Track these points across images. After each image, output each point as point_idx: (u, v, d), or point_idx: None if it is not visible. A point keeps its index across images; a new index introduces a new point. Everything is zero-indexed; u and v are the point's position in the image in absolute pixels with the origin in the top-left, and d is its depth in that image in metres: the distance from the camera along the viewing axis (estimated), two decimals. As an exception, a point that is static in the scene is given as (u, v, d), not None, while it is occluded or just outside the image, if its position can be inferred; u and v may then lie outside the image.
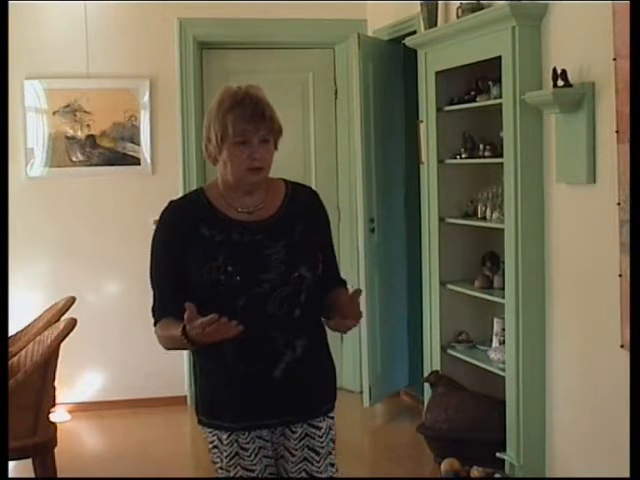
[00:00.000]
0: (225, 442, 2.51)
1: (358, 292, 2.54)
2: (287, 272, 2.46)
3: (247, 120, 2.43)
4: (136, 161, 5.84)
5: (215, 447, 2.54)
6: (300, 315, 2.49)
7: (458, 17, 4.54)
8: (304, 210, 2.59)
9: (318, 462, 2.64)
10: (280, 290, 2.45)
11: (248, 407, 2.50)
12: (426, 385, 4.98)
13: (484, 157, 4.66)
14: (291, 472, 2.59)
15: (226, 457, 2.52)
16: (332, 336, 6.72)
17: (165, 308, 2.44)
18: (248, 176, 2.44)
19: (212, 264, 2.41)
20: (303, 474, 2.59)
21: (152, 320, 2.51)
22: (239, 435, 2.50)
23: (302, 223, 2.56)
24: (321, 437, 2.66)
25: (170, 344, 2.43)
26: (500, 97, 4.28)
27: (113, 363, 5.88)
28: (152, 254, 2.50)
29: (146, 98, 5.82)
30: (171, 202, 2.53)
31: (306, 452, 2.61)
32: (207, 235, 2.45)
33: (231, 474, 2.51)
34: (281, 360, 2.48)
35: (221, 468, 2.54)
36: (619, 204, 3.52)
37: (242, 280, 2.41)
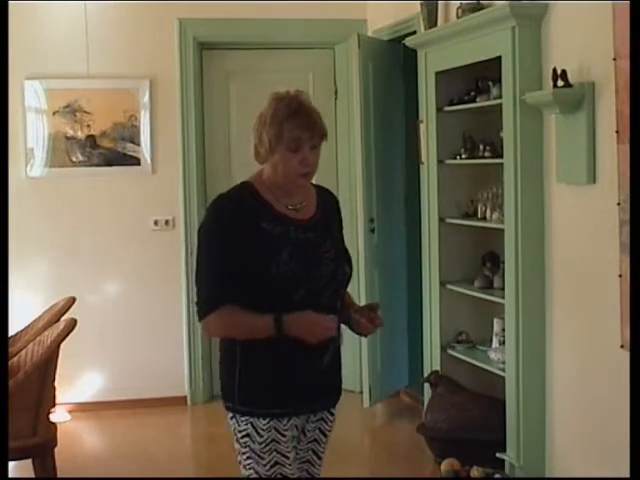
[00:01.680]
0: (262, 429, 2.60)
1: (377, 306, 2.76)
2: (336, 269, 2.66)
3: (302, 129, 2.57)
4: (136, 161, 5.84)
5: (247, 435, 2.61)
6: (340, 308, 2.70)
7: (458, 17, 4.53)
8: (333, 211, 2.82)
9: (324, 444, 2.85)
10: (330, 285, 2.64)
11: (299, 393, 2.65)
12: (426, 385, 4.98)
13: (484, 157, 4.66)
14: (300, 450, 2.77)
15: (261, 444, 2.60)
16: (332, 336, 6.56)
17: (225, 296, 2.54)
18: (298, 179, 2.62)
19: (278, 259, 2.55)
20: (310, 453, 2.81)
21: (196, 312, 2.59)
22: (279, 421, 2.61)
23: (334, 223, 2.80)
24: (332, 422, 2.87)
25: (242, 330, 2.56)
26: (500, 97, 4.28)
27: (113, 363, 5.88)
28: (208, 243, 2.57)
29: (146, 98, 5.82)
30: (223, 195, 2.62)
31: (317, 434, 2.81)
32: (268, 229, 2.58)
33: (265, 460, 2.61)
34: (328, 350, 2.64)
35: (251, 457, 2.61)
36: (619, 204, 3.52)
37: (303, 275, 2.57)
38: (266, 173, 2.64)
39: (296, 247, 2.59)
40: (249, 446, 2.61)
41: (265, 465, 2.61)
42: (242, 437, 2.63)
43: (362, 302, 5.55)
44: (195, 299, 2.62)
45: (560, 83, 3.76)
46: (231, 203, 2.59)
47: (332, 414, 2.85)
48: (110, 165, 5.81)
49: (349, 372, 6.19)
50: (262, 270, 2.54)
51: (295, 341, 2.54)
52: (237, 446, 2.66)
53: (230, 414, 2.66)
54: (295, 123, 2.56)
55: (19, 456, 3.95)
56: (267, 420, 2.59)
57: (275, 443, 2.61)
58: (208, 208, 2.64)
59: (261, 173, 2.67)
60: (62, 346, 4.03)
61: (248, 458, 2.63)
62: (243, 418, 2.61)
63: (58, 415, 5.29)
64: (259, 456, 2.60)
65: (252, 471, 2.62)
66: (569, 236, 4.00)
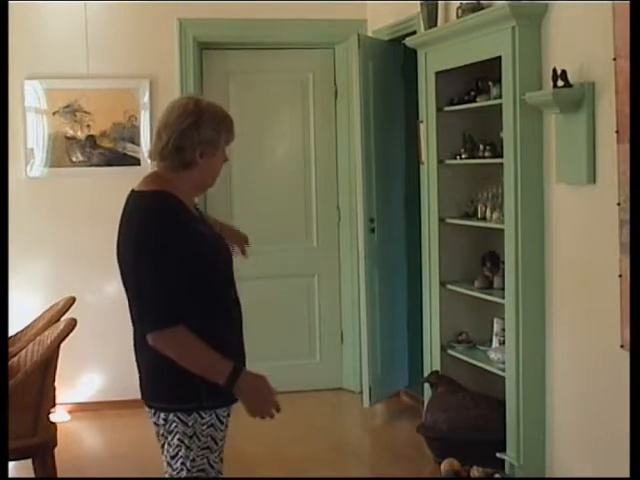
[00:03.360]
0: (222, 418, 2.65)
1: None
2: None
3: (232, 134, 2.72)
4: (136, 161, 5.84)
5: (211, 426, 2.61)
6: None
7: (458, 17, 4.54)
8: None
9: None
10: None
11: None
12: (426, 385, 4.98)
13: (484, 157, 4.66)
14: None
15: (222, 432, 2.66)
16: (332, 336, 6.72)
17: (179, 312, 2.49)
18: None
19: (220, 259, 2.64)
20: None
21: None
22: (225, 410, 2.66)
23: None
24: None
25: (197, 360, 2.52)
26: (500, 97, 4.28)
27: (113, 363, 5.87)
28: (154, 256, 2.48)
29: (146, 98, 5.82)
30: (159, 205, 2.56)
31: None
32: (205, 232, 2.62)
33: (222, 447, 2.69)
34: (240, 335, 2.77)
35: (210, 448, 2.62)
36: (619, 204, 3.52)
37: (231, 272, 2.69)
38: (188, 177, 2.61)
39: (223, 248, 2.72)
40: (212, 436, 2.62)
41: (215, 452, 2.65)
42: (205, 429, 2.61)
43: (362, 302, 5.57)
44: (142, 303, 2.56)
45: (560, 83, 3.76)
46: (168, 213, 2.55)
47: None
48: (110, 165, 5.81)
49: (349, 372, 6.21)
50: (209, 273, 2.57)
51: (236, 343, 2.67)
52: (177, 444, 2.61)
53: (180, 414, 2.60)
54: (230, 128, 2.67)
55: (19, 456, 3.94)
56: (225, 410, 2.65)
57: (224, 431, 2.69)
58: (145, 217, 2.58)
59: (164, 179, 2.62)
60: (62, 346, 4.02)
61: (214, 445, 2.64)
62: (209, 412, 2.60)
63: (58, 415, 5.30)
64: (220, 445, 2.67)
65: (204, 463, 2.62)
66: (569, 236, 4.00)
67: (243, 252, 3.09)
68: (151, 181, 2.66)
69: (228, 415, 2.69)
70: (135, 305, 2.63)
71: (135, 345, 2.80)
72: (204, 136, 2.58)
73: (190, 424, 2.59)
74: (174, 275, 2.48)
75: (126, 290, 2.69)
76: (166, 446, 2.65)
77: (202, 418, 2.59)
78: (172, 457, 2.63)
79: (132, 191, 2.73)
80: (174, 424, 2.60)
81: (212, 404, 2.60)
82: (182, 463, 2.61)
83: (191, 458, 2.60)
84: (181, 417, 2.58)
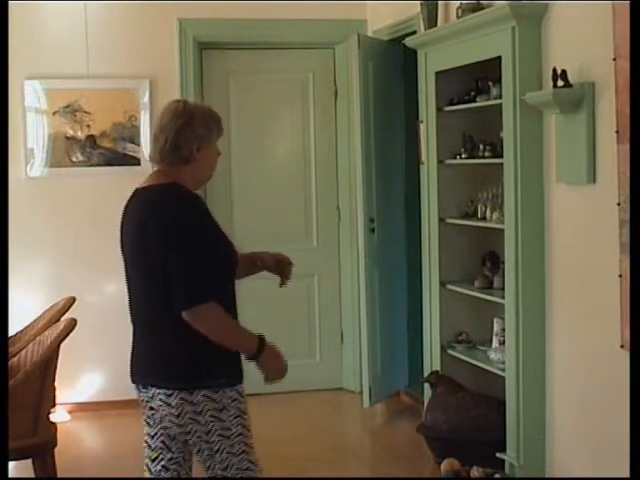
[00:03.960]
0: (241, 392, 2.85)
1: None
2: None
3: (222, 130, 2.96)
4: (136, 161, 5.84)
5: (235, 399, 2.81)
6: None
7: (458, 17, 4.54)
8: None
9: None
10: None
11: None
12: (426, 385, 4.98)
13: (484, 157, 4.66)
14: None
15: (244, 404, 2.85)
16: (332, 336, 6.72)
17: (210, 289, 2.73)
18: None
19: (230, 248, 2.88)
20: None
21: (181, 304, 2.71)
22: (241, 386, 2.87)
23: None
24: None
25: (228, 333, 2.78)
26: (500, 97, 4.28)
27: (113, 363, 5.86)
28: (184, 239, 2.71)
29: (146, 98, 5.82)
30: (176, 193, 2.79)
31: None
32: (217, 223, 2.86)
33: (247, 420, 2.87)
34: None
35: (241, 415, 2.83)
36: (619, 204, 3.52)
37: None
38: (189, 172, 2.84)
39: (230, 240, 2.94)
40: (238, 408, 2.82)
41: (245, 418, 2.86)
42: (230, 403, 2.79)
43: (362, 302, 5.57)
44: (177, 282, 2.71)
45: (560, 83, 3.76)
46: (190, 198, 2.81)
47: None
48: (110, 165, 5.81)
49: (349, 372, 6.21)
50: (226, 255, 2.85)
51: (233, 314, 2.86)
52: (205, 422, 2.79)
53: (206, 391, 2.77)
54: (219, 124, 2.91)
55: (19, 456, 3.94)
56: (241, 386, 2.86)
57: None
58: (176, 204, 2.78)
59: (169, 175, 2.84)
60: (62, 346, 4.02)
61: (237, 417, 2.82)
62: (230, 389, 2.80)
63: (58, 415, 5.30)
64: (243, 417, 2.85)
65: (239, 428, 2.83)
66: (569, 236, 4.00)
67: (287, 277, 3.18)
68: (157, 177, 2.88)
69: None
70: (162, 288, 2.76)
71: (146, 332, 2.98)
72: (198, 132, 2.82)
73: (218, 400, 2.78)
74: (203, 255, 2.72)
75: (138, 275, 2.91)
76: (195, 426, 2.80)
77: (226, 394, 2.79)
78: (207, 433, 2.80)
79: (138, 189, 2.97)
80: (203, 403, 2.77)
81: (234, 381, 2.82)
82: (219, 434, 2.80)
83: (227, 427, 2.80)
84: (209, 395, 2.77)
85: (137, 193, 2.96)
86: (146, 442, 2.97)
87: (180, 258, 2.70)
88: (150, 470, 2.95)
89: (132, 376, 3.08)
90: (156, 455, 2.94)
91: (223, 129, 2.94)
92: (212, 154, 2.90)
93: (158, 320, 2.86)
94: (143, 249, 2.79)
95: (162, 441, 2.92)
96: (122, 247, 2.94)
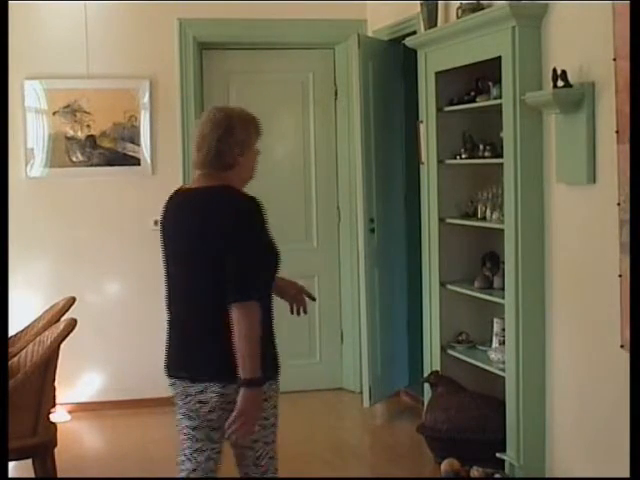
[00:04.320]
0: (278, 386, 3.03)
1: None
2: None
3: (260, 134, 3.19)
4: (136, 161, 5.84)
5: (276, 392, 3.01)
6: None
7: (458, 17, 4.54)
8: None
9: None
10: None
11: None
12: (426, 385, 4.98)
13: (484, 157, 4.66)
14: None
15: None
16: (332, 336, 6.72)
17: (259, 290, 2.89)
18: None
19: (274, 246, 3.01)
20: None
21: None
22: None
23: None
24: None
25: (257, 336, 2.85)
26: (500, 97, 4.28)
27: (113, 363, 5.88)
28: (245, 238, 2.86)
29: (146, 98, 5.82)
30: (234, 195, 2.95)
31: None
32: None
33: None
34: None
35: (276, 407, 3.02)
36: (619, 204, 3.52)
37: None
38: (234, 175, 3.00)
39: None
40: (274, 403, 3.00)
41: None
42: (272, 395, 2.98)
43: (362, 302, 5.57)
44: (234, 275, 2.83)
45: (560, 83, 3.76)
46: (258, 205, 2.93)
47: None
48: (110, 165, 5.81)
49: (349, 372, 6.21)
50: (274, 260, 3.01)
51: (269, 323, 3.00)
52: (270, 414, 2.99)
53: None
54: (257, 126, 3.16)
55: (19, 456, 3.94)
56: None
57: None
58: (242, 205, 2.92)
59: (216, 178, 2.97)
60: (62, 346, 4.02)
61: (273, 408, 3.01)
62: (274, 382, 3.00)
63: (58, 415, 5.30)
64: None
65: (273, 431, 3.03)
66: (569, 236, 4.00)
67: (304, 309, 3.31)
68: (206, 180, 3.00)
69: None
70: (216, 284, 2.88)
71: (195, 328, 3.02)
72: (238, 138, 3.00)
73: (265, 391, 2.91)
74: (258, 255, 2.89)
75: (192, 268, 2.99)
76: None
77: (271, 386, 2.97)
78: (266, 418, 2.97)
79: (185, 189, 3.15)
80: (271, 392, 2.97)
81: (275, 374, 3.01)
82: (259, 424, 2.93)
83: (265, 417, 2.97)
84: (273, 385, 2.98)
85: (185, 194, 3.09)
86: (186, 435, 3.05)
87: (238, 256, 2.84)
88: (191, 461, 3.04)
89: (170, 370, 3.12)
90: (199, 446, 3.03)
91: (261, 128, 3.15)
92: (253, 156, 3.10)
93: (210, 316, 2.94)
94: (198, 246, 2.92)
95: (206, 433, 3.00)
96: (165, 244, 3.09)
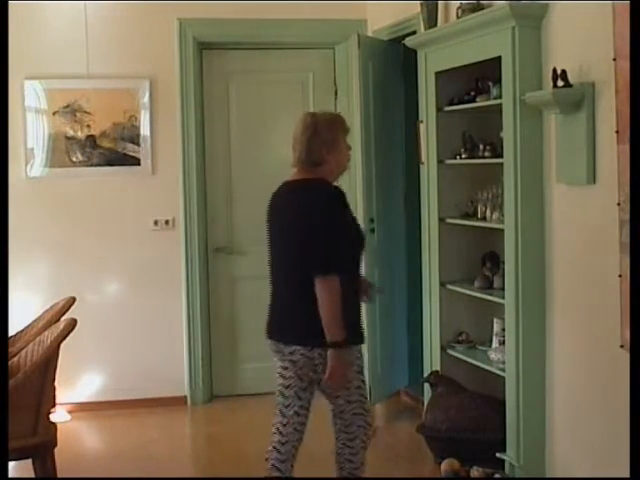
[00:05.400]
0: (361, 351, 3.64)
1: None
2: None
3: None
4: (136, 161, 5.84)
5: (358, 357, 3.60)
6: None
7: (458, 17, 4.54)
8: None
9: None
10: None
11: None
12: (426, 385, 4.98)
13: (484, 157, 4.66)
14: None
15: (362, 361, 3.68)
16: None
17: (339, 267, 3.37)
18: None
19: (360, 234, 3.66)
20: None
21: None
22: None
23: None
24: None
25: (337, 305, 3.35)
26: (500, 97, 4.28)
27: (113, 363, 5.88)
28: (330, 222, 3.38)
29: (146, 98, 5.82)
30: (324, 186, 3.47)
31: None
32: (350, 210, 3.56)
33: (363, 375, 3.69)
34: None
35: (361, 372, 3.63)
36: (619, 204, 3.52)
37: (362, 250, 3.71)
38: (324, 171, 3.51)
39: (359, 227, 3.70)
40: (360, 367, 3.61)
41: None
42: (359, 357, 3.61)
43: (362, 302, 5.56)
44: (318, 252, 3.36)
45: (560, 83, 3.76)
46: (340, 191, 3.46)
47: None
48: (110, 165, 5.81)
49: (349, 372, 6.19)
50: (354, 241, 3.56)
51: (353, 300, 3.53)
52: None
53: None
54: (343, 126, 3.59)
55: (19, 456, 3.94)
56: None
57: None
58: (326, 195, 3.44)
59: (310, 173, 3.51)
60: (62, 346, 4.02)
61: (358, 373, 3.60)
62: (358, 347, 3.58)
63: (58, 415, 5.30)
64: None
65: (358, 392, 3.63)
66: (569, 236, 4.00)
67: (370, 297, 3.86)
68: (303, 173, 3.56)
69: None
70: (306, 259, 3.39)
71: (288, 298, 3.58)
72: (325, 139, 3.49)
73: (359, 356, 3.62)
74: (341, 237, 3.39)
75: (288, 250, 3.54)
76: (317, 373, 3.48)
77: (352, 350, 3.52)
78: (348, 381, 3.52)
79: (288, 181, 3.63)
80: (353, 357, 3.53)
81: (358, 340, 3.58)
82: (358, 386, 3.60)
83: (349, 379, 3.53)
84: (355, 351, 3.55)
85: (287, 184, 3.62)
86: (280, 392, 3.57)
87: (325, 236, 3.36)
88: (284, 415, 3.56)
89: (269, 333, 3.62)
90: (289, 402, 3.55)
91: (349, 127, 3.61)
92: (341, 153, 3.56)
93: (298, 288, 3.46)
94: (291, 229, 3.47)
95: (295, 391, 3.52)
96: (269, 226, 3.66)
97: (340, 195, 3.44)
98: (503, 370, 4.35)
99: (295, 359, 3.47)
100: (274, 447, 3.59)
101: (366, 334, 5.48)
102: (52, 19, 5.69)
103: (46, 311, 4.66)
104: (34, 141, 5.70)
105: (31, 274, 5.72)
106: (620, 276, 3.54)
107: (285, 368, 3.52)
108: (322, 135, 3.49)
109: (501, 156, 4.29)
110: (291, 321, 3.52)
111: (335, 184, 3.52)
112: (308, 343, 3.42)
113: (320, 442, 5.14)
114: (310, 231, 3.38)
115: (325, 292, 3.34)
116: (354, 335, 3.48)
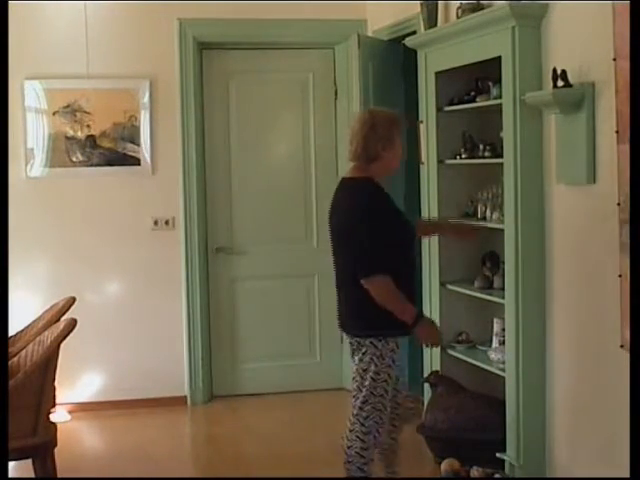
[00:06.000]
0: (399, 344, 3.70)
1: None
2: None
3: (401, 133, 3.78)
4: (136, 161, 5.84)
5: (392, 350, 3.67)
6: None
7: (458, 17, 4.54)
8: None
9: None
10: None
11: None
12: (426, 385, 4.98)
13: (484, 157, 4.66)
14: None
15: (398, 354, 3.71)
16: (332, 336, 6.71)
17: (385, 266, 3.52)
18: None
19: (408, 229, 3.74)
20: None
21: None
22: (401, 339, 3.73)
23: None
24: None
25: (392, 301, 3.56)
26: (500, 97, 4.28)
27: (113, 363, 5.88)
28: (372, 223, 3.52)
29: (146, 98, 5.82)
30: (368, 187, 3.63)
31: None
32: (399, 209, 3.73)
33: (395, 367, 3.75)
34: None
35: (391, 365, 3.68)
36: (619, 204, 3.52)
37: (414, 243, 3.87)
38: (378, 166, 3.66)
39: (408, 221, 3.78)
40: (392, 359, 3.67)
41: (393, 369, 3.72)
42: (390, 351, 3.65)
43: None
44: (360, 255, 3.53)
45: (560, 83, 3.76)
46: (382, 190, 3.64)
47: None
48: (110, 165, 5.81)
49: (349, 372, 6.18)
50: (401, 239, 3.66)
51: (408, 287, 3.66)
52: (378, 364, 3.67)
53: (372, 339, 3.65)
54: (399, 124, 3.71)
55: (19, 456, 3.94)
56: (400, 338, 3.73)
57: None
58: (366, 198, 3.60)
59: (363, 169, 3.66)
60: (62, 346, 4.02)
61: (388, 367, 3.67)
62: (392, 339, 3.66)
63: (58, 415, 5.30)
64: (394, 363, 3.72)
65: (385, 376, 3.68)
66: (569, 236, 4.00)
67: (472, 236, 4.24)
68: (356, 170, 3.70)
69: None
70: (352, 258, 3.61)
71: (342, 287, 3.77)
72: (381, 135, 3.61)
73: (379, 347, 3.64)
74: (383, 238, 3.52)
75: (339, 248, 3.74)
76: (359, 362, 3.70)
77: (388, 344, 3.64)
78: (364, 370, 3.67)
79: (344, 178, 3.77)
80: (366, 347, 3.65)
81: (395, 333, 3.64)
82: (371, 377, 3.66)
83: (376, 371, 3.65)
84: (374, 342, 3.64)
85: (343, 182, 3.77)
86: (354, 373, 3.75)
87: (367, 238, 3.50)
88: (387, 392, 3.71)
89: (340, 326, 3.89)
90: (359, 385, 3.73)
91: (403, 125, 3.76)
92: (396, 150, 3.68)
93: (353, 284, 3.60)
94: (345, 229, 3.63)
95: (363, 377, 3.68)
96: (330, 225, 3.77)
97: (381, 194, 3.61)
98: (503, 370, 4.35)
99: (364, 350, 3.68)
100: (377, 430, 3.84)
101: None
102: (52, 19, 5.69)
103: (46, 311, 4.66)
104: (34, 141, 5.70)
105: (31, 274, 5.72)
106: (620, 276, 3.54)
107: (362, 353, 3.70)
108: (379, 131, 3.61)
109: (501, 156, 4.29)
110: (352, 316, 3.75)
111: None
112: (371, 335, 3.64)
113: (320, 442, 5.14)
114: (352, 234, 3.58)
115: (375, 291, 3.54)
116: (397, 326, 3.63)
